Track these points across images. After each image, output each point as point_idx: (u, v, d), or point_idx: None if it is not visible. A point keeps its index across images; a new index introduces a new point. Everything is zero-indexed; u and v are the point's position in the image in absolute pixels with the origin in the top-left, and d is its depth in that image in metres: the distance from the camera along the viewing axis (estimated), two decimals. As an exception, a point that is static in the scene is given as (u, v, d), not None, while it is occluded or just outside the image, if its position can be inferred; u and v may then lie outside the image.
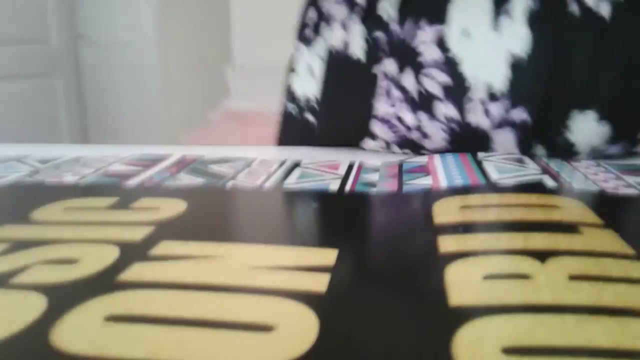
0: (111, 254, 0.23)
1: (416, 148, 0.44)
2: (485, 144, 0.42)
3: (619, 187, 0.33)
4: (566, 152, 0.41)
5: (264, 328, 0.17)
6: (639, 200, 0.30)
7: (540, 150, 0.41)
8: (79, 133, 2.98)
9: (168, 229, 0.26)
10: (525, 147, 0.41)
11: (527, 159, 0.39)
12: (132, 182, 0.35)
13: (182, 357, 0.16)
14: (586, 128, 0.40)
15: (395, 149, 0.45)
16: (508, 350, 0.15)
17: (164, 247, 0.24)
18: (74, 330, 0.17)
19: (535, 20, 0.40)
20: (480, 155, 0.40)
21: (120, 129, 3.00)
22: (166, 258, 0.23)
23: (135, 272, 0.21)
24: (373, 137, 0.45)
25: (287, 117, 0.53)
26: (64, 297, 0.19)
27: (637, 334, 0.16)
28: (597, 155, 0.41)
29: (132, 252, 0.23)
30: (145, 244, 0.24)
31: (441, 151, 0.43)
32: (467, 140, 0.42)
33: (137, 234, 0.25)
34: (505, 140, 0.41)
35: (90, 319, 0.18)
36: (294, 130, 0.52)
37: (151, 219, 0.27)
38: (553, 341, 0.16)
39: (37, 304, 0.19)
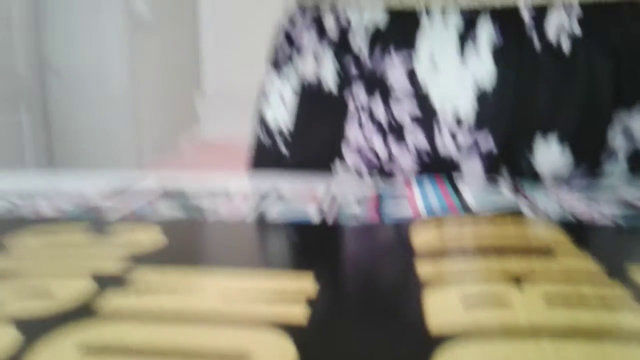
0: (86, 286, 0.23)
1: (387, 176, 0.45)
2: (453, 170, 0.43)
3: (592, 213, 0.33)
4: (530, 176, 0.42)
5: (241, 358, 0.17)
6: (611, 227, 0.30)
7: (506, 175, 0.43)
8: (45, 157, 2.93)
9: (146, 262, 0.26)
10: (492, 173, 0.42)
11: (503, 185, 0.39)
12: (108, 212, 0.34)
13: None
14: (549, 153, 0.41)
15: (365, 174, 0.46)
16: (486, 376, 0.16)
17: (142, 279, 0.23)
18: (48, 364, 0.17)
19: (499, 54, 0.41)
20: (457, 180, 0.41)
21: (89, 158, 2.95)
22: (143, 290, 0.22)
23: (111, 303, 0.21)
24: (345, 167, 0.46)
25: (259, 146, 0.53)
26: (37, 330, 0.19)
27: (612, 357, 0.16)
28: (560, 179, 0.42)
29: (108, 284, 0.23)
30: (122, 275, 0.24)
31: (410, 174, 0.44)
32: (436, 167, 0.43)
33: (113, 266, 0.25)
34: (472, 165, 0.42)
35: (65, 352, 0.18)
36: (266, 159, 0.52)
37: (129, 251, 0.27)
38: (530, 366, 0.16)
39: (9, 338, 0.18)
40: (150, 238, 0.29)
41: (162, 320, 0.20)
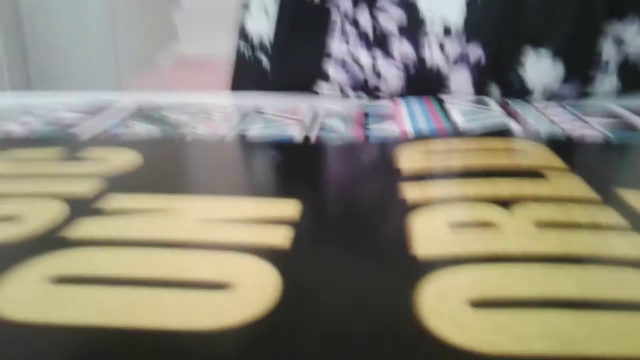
0: (57, 210, 0.22)
1: (371, 92, 0.43)
2: (441, 84, 0.41)
3: (582, 130, 0.32)
4: (520, 91, 0.41)
5: (222, 286, 0.16)
6: (602, 144, 0.30)
7: (494, 90, 0.41)
8: (21, 80, 2.84)
9: (120, 183, 0.25)
10: (481, 87, 0.41)
11: (492, 102, 0.38)
12: (82, 132, 0.33)
13: (134, 319, 0.15)
14: (539, 66, 0.40)
15: (350, 92, 0.44)
16: (475, 303, 0.15)
17: (115, 201, 0.22)
18: (15, 294, 0.16)
19: None
20: (445, 99, 0.39)
21: (64, 75, 2.86)
22: (116, 213, 0.21)
23: (83, 228, 0.20)
24: (327, 79, 0.44)
25: (239, 57, 0.51)
26: (4, 258, 0.18)
27: (605, 282, 0.16)
28: (550, 95, 0.41)
29: (80, 207, 0.22)
30: (94, 198, 0.23)
31: (397, 94, 0.42)
32: (422, 80, 0.41)
33: (85, 188, 0.24)
34: (460, 78, 0.41)
35: (34, 281, 0.17)
36: (247, 71, 0.50)
37: (101, 171, 0.26)
38: (520, 292, 0.15)
39: (-25, 266, 0.18)
40: (124, 158, 0.28)
41: (137, 247, 0.19)
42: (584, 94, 0.42)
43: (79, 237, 0.19)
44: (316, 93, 0.46)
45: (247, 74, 0.51)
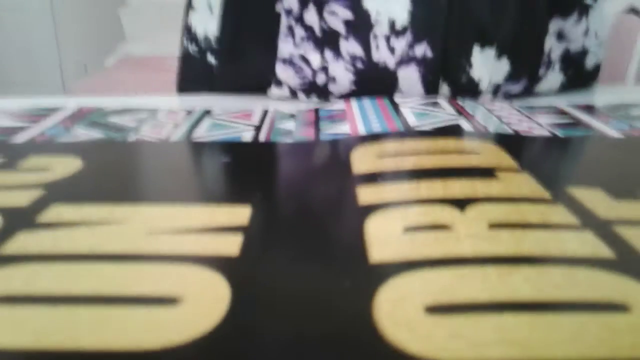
0: (-9, 224, 0.20)
1: (322, 94, 0.43)
2: (391, 83, 0.41)
3: (531, 128, 0.33)
4: (470, 90, 0.41)
5: (169, 301, 0.15)
6: (550, 141, 0.30)
7: (445, 89, 0.42)
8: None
9: (60, 192, 0.23)
10: (430, 85, 0.41)
11: (443, 103, 0.38)
12: (20, 139, 0.31)
13: (74, 341, 0.14)
14: (486, 63, 0.40)
15: (302, 96, 0.43)
16: (430, 309, 0.15)
17: (54, 213, 0.21)
18: (-59, 317, 0.15)
19: None
20: (398, 100, 0.39)
21: (7, 81, 2.76)
22: (56, 225, 0.20)
23: (19, 243, 0.19)
24: (278, 83, 0.43)
25: (187, 58, 0.50)
26: None
27: (559, 283, 0.16)
28: (498, 91, 0.42)
29: (17, 220, 0.20)
30: (32, 209, 0.21)
31: (347, 95, 0.42)
32: (373, 80, 0.41)
33: (23, 199, 0.22)
34: (409, 77, 0.41)
35: (-37, 302, 0.15)
36: (195, 72, 0.49)
37: (40, 180, 0.25)
38: (475, 296, 0.15)
39: None
40: (65, 165, 0.26)
41: (78, 261, 0.18)
42: (531, 90, 0.43)
43: (15, 252, 0.18)
44: (266, 95, 0.45)
45: (195, 74, 0.49)
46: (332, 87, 0.42)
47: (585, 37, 0.43)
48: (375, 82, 0.41)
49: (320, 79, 0.42)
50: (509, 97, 0.43)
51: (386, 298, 0.15)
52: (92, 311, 0.15)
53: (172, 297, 0.16)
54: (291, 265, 0.17)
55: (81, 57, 2.75)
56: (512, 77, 0.42)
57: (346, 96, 0.42)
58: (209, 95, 0.46)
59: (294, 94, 0.43)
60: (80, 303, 0.15)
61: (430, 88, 0.41)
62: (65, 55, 2.76)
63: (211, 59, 0.47)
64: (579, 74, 0.45)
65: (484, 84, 0.41)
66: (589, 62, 0.45)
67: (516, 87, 0.42)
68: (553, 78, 0.44)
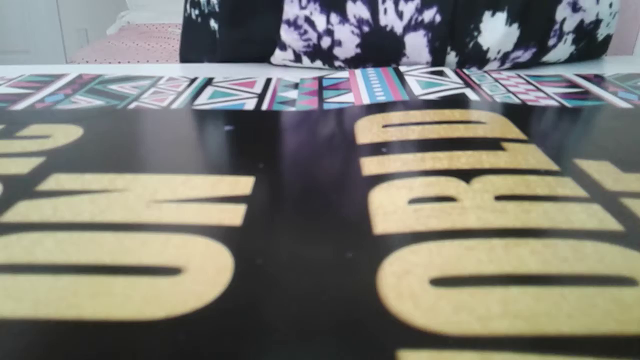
0: (-9, 192, 0.20)
1: (327, 58, 0.42)
2: (397, 48, 0.40)
3: (538, 98, 0.32)
4: (477, 57, 0.40)
5: (172, 271, 0.15)
6: (558, 113, 0.30)
7: (452, 57, 0.41)
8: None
9: (60, 160, 0.23)
10: (437, 52, 0.40)
11: (449, 72, 0.38)
12: (20, 107, 0.31)
13: (76, 310, 0.14)
14: (496, 31, 0.39)
15: (306, 60, 0.43)
16: (436, 282, 0.14)
17: (55, 181, 0.21)
18: (-58, 286, 0.15)
19: None
20: (402, 69, 0.39)
21: (8, 49, 2.73)
22: (57, 194, 0.20)
23: (20, 211, 0.19)
24: (282, 46, 0.42)
25: (189, 23, 0.49)
26: None
27: (566, 256, 0.15)
28: (506, 58, 0.41)
29: (17, 188, 0.20)
30: (32, 178, 0.21)
31: (352, 60, 0.42)
32: (378, 45, 0.40)
33: (23, 167, 0.22)
34: (416, 43, 0.40)
35: (-37, 271, 0.15)
36: (198, 38, 0.48)
37: (41, 148, 0.24)
38: (481, 269, 0.15)
39: None
40: (64, 130, 0.26)
41: (79, 230, 0.17)
42: (539, 59, 0.42)
43: (15, 221, 0.18)
44: (270, 63, 0.45)
45: (197, 40, 0.49)
46: (337, 51, 0.41)
47: (598, 5, 0.42)
48: (380, 47, 0.40)
49: (325, 42, 0.41)
50: (517, 64, 0.42)
51: (391, 270, 0.15)
52: (94, 280, 0.15)
53: (174, 266, 0.15)
54: (294, 236, 0.17)
55: (83, 25, 2.71)
56: (520, 44, 0.41)
57: (350, 61, 0.42)
58: (212, 62, 0.45)
59: (297, 57, 0.43)
60: (81, 272, 0.15)
61: (437, 55, 0.41)
62: (67, 23, 2.73)
63: (214, 24, 0.46)
64: (590, 45, 0.44)
65: (493, 52, 0.40)
66: (601, 33, 0.44)
67: (524, 55, 0.41)
68: (563, 49, 0.43)
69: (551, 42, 0.42)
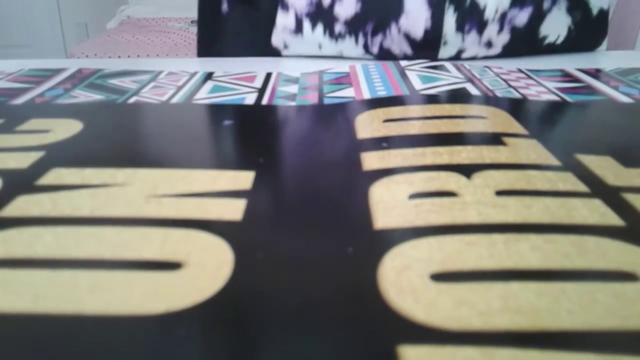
0: (-9, 186, 0.20)
1: (328, 19, 0.43)
2: (397, 6, 0.42)
3: (539, 93, 0.32)
4: (476, 15, 0.41)
5: (171, 265, 0.15)
6: (559, 107, 0.30)
7: (450, 17, 0.41)
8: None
9: (60, 154, 0.23)
10: (437, 10, 0.41)
11: (449, 66, 0.38)
12: (20, 101, 0.31)
13: (76, 305, 0.14)
14: None
15: (307, 27, 0.43)
16: (436, 276, 0.14)
17: (55, 175, 0.21)
18: (-59, 280, 0.15)
19: None
20: (403, 63, 0.39)
21: (7, 43, 2.72)
22: (57, 188, 0.20)
23: (20, 206, 0.19)
24: (284, 7, 0.43)
25: (203, 11, 0.50)
26: None
27: (566, 251, 0.15)
28: (506, 23, 0.42)
29: (17, 183, 0.20)
30: (32, 172, 0.21)
31: (353, 22, 0.42)
32: (379, 2, 0.41)
33: (23, 161, 0.22)
34: (416, 5, 0.41)
35: (-37, 265, 0.15)
36: (212, 23, 0.49)
37: (41, 142, 0.24)
38: (482, 264, 0.15)
39: None
40: (64, 124, 0.26)
41: (78, 225, 0.17)
42: (536, 25, 0.43)
43: (15, 215, 0.18)
44: (277, 53, 0.45)
45: (212, 25, 0.50)
46: (337, 9, 0.42)
47: None
48: (381, 3, 0.42)
49: (327, 5, 0.42)
50: (513, 25, 0.42)
51: (391, 265, 0.15)
52: (93, 275, 0.15)
53: (174, 261, 0.15)
54: (294, 230, 0.17)
55: (83, 19, 2.71)
56: (517, 2, 0.42)
57: (351, 23, 0.42)
58: (224, 46, 0.46)
59: (299, 24, 0.43)
60: (81, 267, 0.15)
61: (436, 9, 0.41)
62: (67, 18, 2.72)
63: (225, 6, 0.48)
64: (586, 18, 0.45)
65: (490, 11, 0.41)
66: (594, 4, 0.45)
67: (521, 16, 0.42)
68: (559, 18, 0.43)
69: (546, 4, 0.42)
